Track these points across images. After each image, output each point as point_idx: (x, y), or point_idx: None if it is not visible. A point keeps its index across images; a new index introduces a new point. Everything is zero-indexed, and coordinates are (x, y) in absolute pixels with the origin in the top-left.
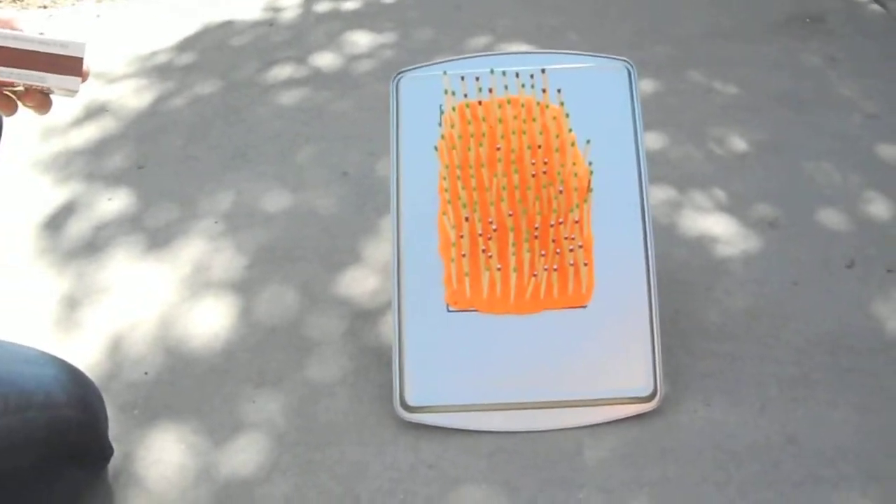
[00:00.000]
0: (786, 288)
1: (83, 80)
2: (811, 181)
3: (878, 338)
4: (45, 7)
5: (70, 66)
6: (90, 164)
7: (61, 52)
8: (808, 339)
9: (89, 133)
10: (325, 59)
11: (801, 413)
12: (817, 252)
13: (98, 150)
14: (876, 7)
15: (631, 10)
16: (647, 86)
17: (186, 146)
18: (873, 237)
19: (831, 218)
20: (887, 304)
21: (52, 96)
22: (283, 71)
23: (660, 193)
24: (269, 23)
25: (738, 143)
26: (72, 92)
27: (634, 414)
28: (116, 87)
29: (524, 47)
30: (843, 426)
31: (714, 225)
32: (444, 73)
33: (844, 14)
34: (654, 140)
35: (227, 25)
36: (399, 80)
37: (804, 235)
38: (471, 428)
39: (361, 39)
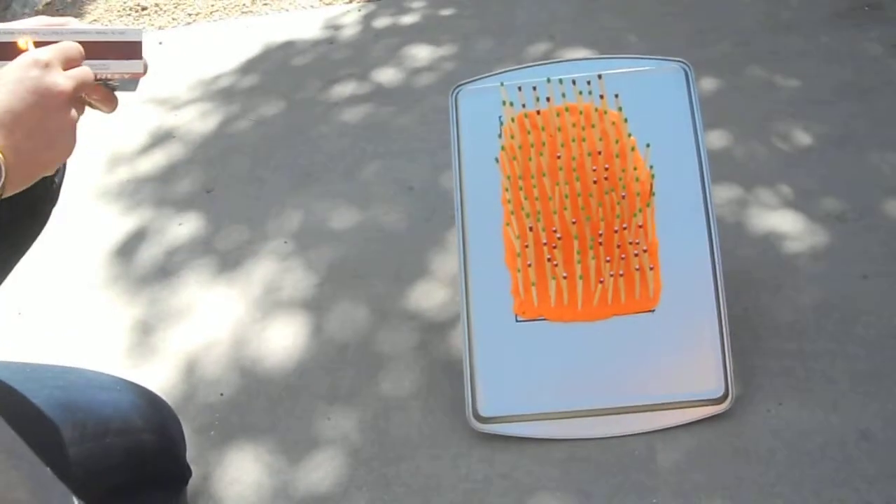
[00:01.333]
0: (855, 282)
1: (144, 72)
2: (877, 173)
3: None
4: None
5: (130, 50)
6: (159, 190)
7: (120, 39)
8: (879, 333)
9: (157, 159)
10: (386, 75)
11: (874, 408)
12: (886, 244)
13: (166, 175)
14: None
15: (689, 9)
16: (707, 84)
17: (253, 168)
18: None
19: None
20: None
21: (116, 93)
22: (345, 88)
23: (725, 192)
24: (330, 41)
25: (802, 138)
26: (136, 77)
27: (707, 416)
28: (182, 113)
29: (583, 53)
30: None
31: (781, 221)
32: (502, 84)
33: None
34: (716, 139)
35: (288, 45)
36: (457, 93)
37: (872, 228)
38: (543, 436)
39: (421, 53)
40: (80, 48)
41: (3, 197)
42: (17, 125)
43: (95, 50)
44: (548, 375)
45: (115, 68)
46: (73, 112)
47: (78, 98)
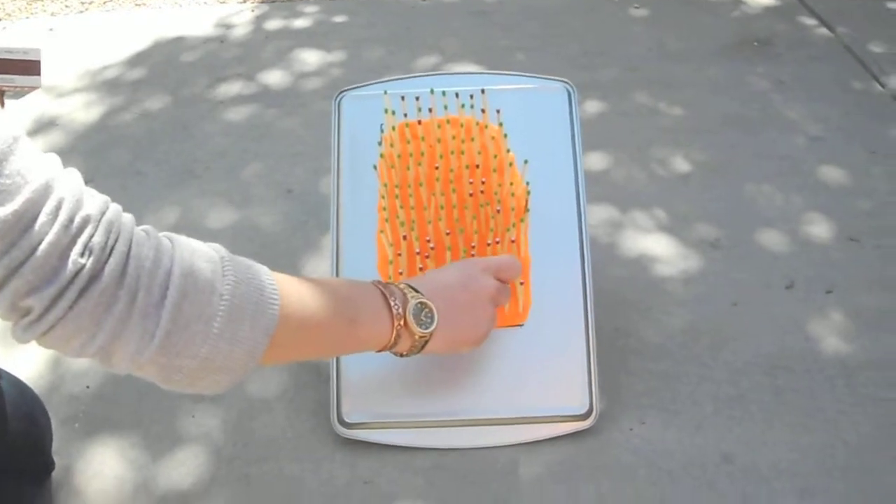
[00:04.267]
0: (725, 308)
1: (40, 86)
2: (753, 202)
3: (815, 358)
4: None
5: (32, 67)
6: None
7: (24, 57)
8: (746, 360)
9: (38, 146)
10: (274, 77)
11: (737, 432)
12: (758, 273)
13: None
14: (824, 30)
15: (579, 31)
16: (592, 107)
17: (134, 161)
18: (813, 258)
19: (773, 239)
20: (825, 324)
21: (4, 97)
22: (231, 88)
23: (601, 213)
24: (220, 39)
25: (682, 165)
26: (34, 88)
27: (570, 432)
28: (66, 101)
29: (471, 67)
30: (779, 445)
31: (655, 245)
32: (385, 92)
33: (792, 37)
34: (597, 161)
35: (179, 41)
36: (341, 98)
37: (745, 256)
38: (407, 444)
39: (310, 58)
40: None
41: (418, 349)
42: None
43: (2, 66)
44: (414, 384)
45: (19, 82)
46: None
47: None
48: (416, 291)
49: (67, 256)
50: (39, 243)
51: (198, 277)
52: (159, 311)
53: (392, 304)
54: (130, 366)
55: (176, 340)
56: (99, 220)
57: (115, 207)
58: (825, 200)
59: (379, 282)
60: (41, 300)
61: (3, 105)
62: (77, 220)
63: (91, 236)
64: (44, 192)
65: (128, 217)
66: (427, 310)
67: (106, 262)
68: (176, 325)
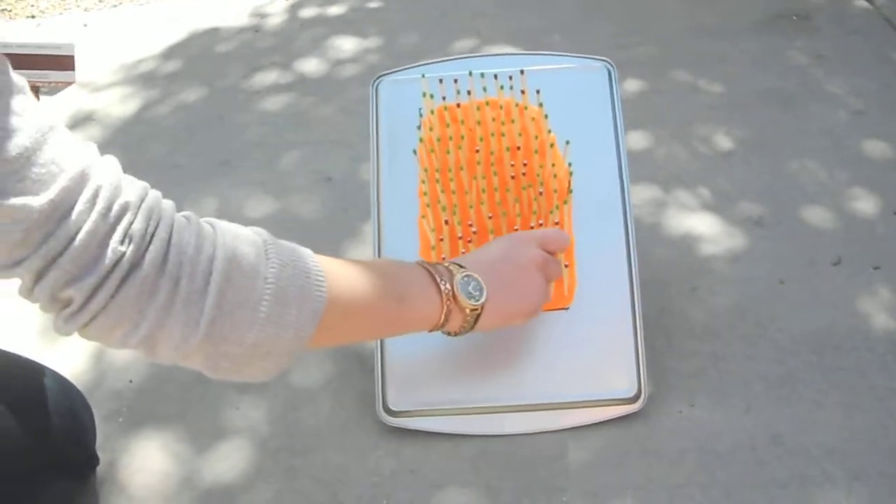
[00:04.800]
0: (771, 286)
1: (74, 81)
2: (797, 179)
3: (863, 335)
4: (32, 17)
5: (65, 63)
6: None
7: (57, 53)
8: (794, 338)
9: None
10: (310, 65)
11: (787, 413)
12: (803, 250)
13: None
14: (863, 2)
15: (615, 10)
16: (631, 86)
17: (171, 154)
18: (860, 234)
19: (817, 215)
20: (873, 301)
21: (39, 94)
22: (267, 77)
23: (644, 193)
24: (255, 29)
25: (723, 142)
26: (68, 85)
27: (618, 415)
28: (102, 96)
29: (508, 49)
30: (829, 425)
31: (699, 224)
32: (423, 75)
33: (831, 10)
34: (637, 140)
35: (213, 32)
36: (378, 83)
37: (790, 233)
38: (453, 432)
39: (346, 45)
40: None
41: (470, 325)
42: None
43: (35, 62)
44: (459, 370)
45: (53, 77)
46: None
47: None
48: (462, 267)
49: (107, 245)
50: (77, 232)
51: (242, 262)
52: (204, 298)
53: (439, 280)
54: (175, 355)
55: (221, 326)
56: (139, 207)
57: (154, 194)
58: (869, 175)
59: (423, 262)
60: (82, 290)
61: (38, 100)
62: (115, 207)
63: (131, 223)
64: (80, 181)
65: (168, 203)
66: (475, 282)
67: (147, 249)
68: (221, 312)
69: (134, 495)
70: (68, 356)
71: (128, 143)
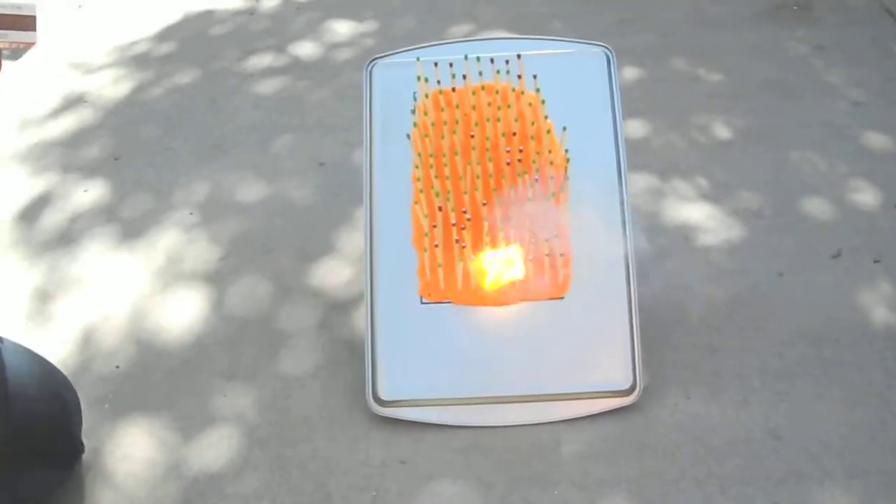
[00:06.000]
0: (770, 279)
1: (36, 42)
2: (797, 170)
3: (863, 330)
4: None
5: (27, 23)
6: (66, 155)
7: (18, 13)
8: (793, 331)
9: (66, 124)
10: (305, 49)
11: (784, 407)
12: (803, 242)
13: (75, 141)
14: None
15: None
16: (630, 73)
17: (164, 137)
18: (860, 227)
19: (817, 207)
20: (874, 294)
21: (3, 60)
22: (261, 60)
23: (642, 182)
24: (250, 12)
25: (723, 132)
26: (29, 47)
27: (613, 408)
28: (95, 78)
29: (505, 35)
30: (827, 421)
31: (697, 214)
32: (418, 59)
33: (832, 1)
34: (636, 128)
35: (208, 15)
36: (372, 67)
37: (789, 225)
38: (445, 422)
39: (341, 28)
40: None
41: None
42: None
43: None
44: (451, 360)
45: (13, 38)
46: None
47: None
48: None
49: None
50: None
51: None
52: None
53: None
54: None
55: None
56: None
57: None
58: (870, 167)
59: None
60: None
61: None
62: None
63: None
64: None
65: None
66: None
67: None
68: None
69: (119, 483)
70: (55, 340)
71: (120, 124)
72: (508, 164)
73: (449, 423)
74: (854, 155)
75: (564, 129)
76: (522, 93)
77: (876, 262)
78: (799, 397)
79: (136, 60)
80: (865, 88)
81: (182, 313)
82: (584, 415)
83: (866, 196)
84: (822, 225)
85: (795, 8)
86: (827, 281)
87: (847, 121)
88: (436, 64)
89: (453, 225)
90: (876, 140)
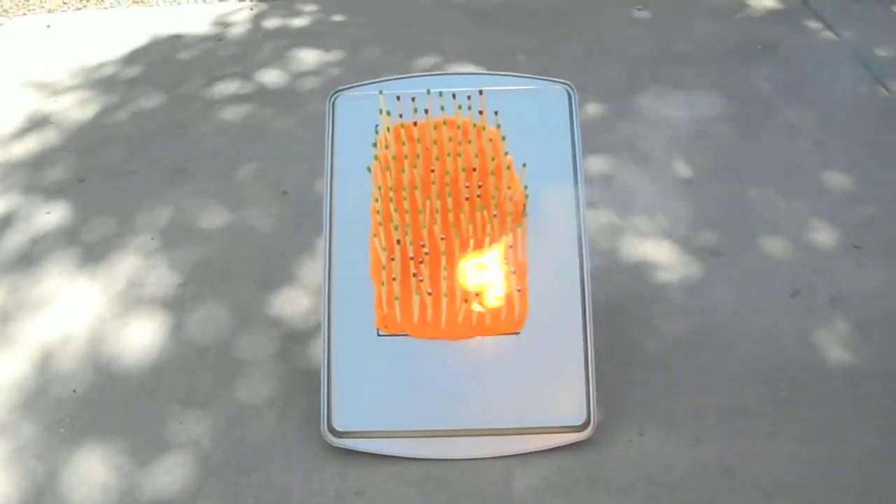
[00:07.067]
0: (727, 317)
1: None
2: (756, 208)
3: (819, 368)
4: None
5: None
6: (30, 176)
7: None
8: (747, 371)
9: (31, 144)
10: (271, 76)
11: (739, 445)
12: (760, 280)
13: (39, 162)
14: (829, 34)
15: (582, 32)
16: (593, 109)
17: (128, 160)
18: (818, 266)
19: (776, 246)
20: (829, 334)
21: None
22: (228, 87)
23: (601, 218)
24: (218, 38)
25: (683, 169)
26: None
27: (567, 443)
28: (61, 99)
29: (471, 68)
30: (782, 458)
31: (656, 251)
32: (380, 92)
33: (797, 40)
34: (597, 164)
35: (175, 39)
36: (335, 98)
37: (747, 263)
38: (399, 455)
39: (308, 57)
40: None
41: None
42: None
43: None
44: (407, 392)
45: None
46: None
47: None
48: None
49: None
50: None
51: None
52: None
53: None
54: None
55: None
56: None
57: None
58: (829, 206)
59: None
60: None
61: None
62: None
63: None
64: None
65: None
66: None
67: None
68: None
69: None
70: (12, 363)
71: (84, 147)
72: (468, 199)
73: (404, 456)
74: (814, 194)
75: (524, 165)
76: (484, 128)
77: (833, 301)
78: (753, 435)
79: (103, 83)
80: (828, 127)
81: (141, 338)
82: (538, 449)
83: (825, 235)
84: (780, 263)
85: (760, 47)
86: (784, 320)
87: (808, 159)
88: (398, 97)
89: (411, 258)
90: (834, 179)
